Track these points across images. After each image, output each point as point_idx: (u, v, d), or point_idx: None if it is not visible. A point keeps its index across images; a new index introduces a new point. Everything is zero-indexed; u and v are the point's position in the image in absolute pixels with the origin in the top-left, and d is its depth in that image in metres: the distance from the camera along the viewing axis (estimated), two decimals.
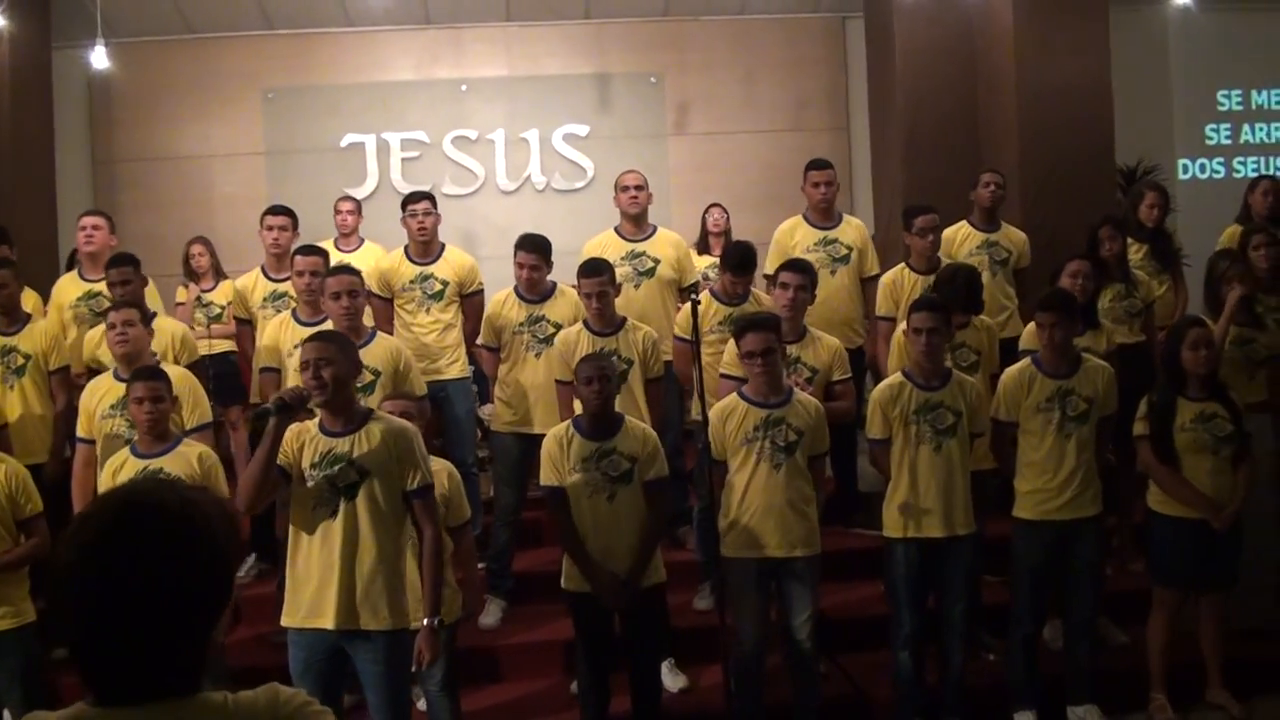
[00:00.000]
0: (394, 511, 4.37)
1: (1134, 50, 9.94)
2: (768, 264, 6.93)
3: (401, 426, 4.47)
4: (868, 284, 6.95)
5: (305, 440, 4.39)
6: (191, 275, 8.02)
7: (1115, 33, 8.68)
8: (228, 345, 7.36)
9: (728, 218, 8.95)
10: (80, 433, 5.64)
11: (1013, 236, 7.20)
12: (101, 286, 6.53)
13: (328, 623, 4.29)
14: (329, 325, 5.91)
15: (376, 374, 5.62)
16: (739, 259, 6.28)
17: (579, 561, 5.00)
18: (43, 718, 1.66)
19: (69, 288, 6.76)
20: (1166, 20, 10.46)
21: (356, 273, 5.83)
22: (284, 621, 4.43)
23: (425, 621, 4.39)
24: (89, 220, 6.88)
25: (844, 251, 6.87)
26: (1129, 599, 6.05)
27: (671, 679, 5.74)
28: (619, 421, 5.10)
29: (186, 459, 4.93)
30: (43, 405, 6.27)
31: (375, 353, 5.66)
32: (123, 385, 5.44)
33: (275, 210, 6.98)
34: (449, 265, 6.69)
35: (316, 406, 4.38)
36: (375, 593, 4.31)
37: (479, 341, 6.52)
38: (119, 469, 4.93)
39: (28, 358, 6.25)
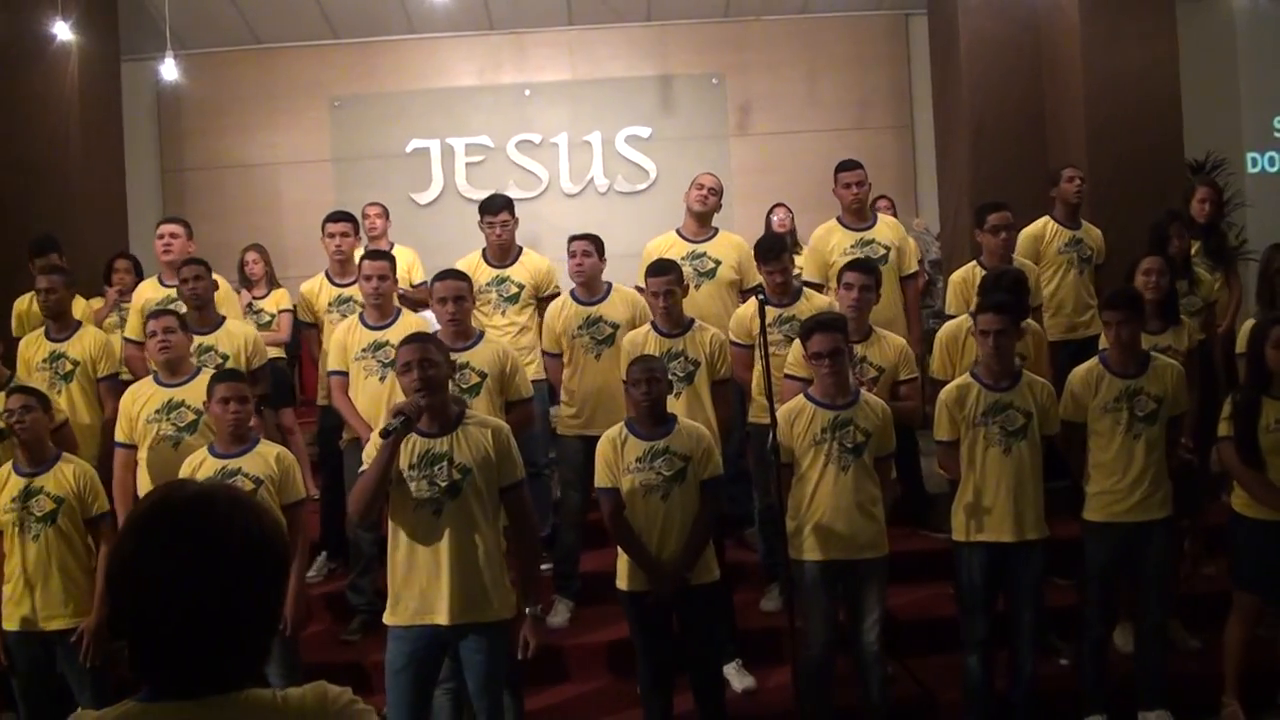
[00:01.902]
0: (494, 506, 4.47)
1: (1201, 42, 9.83)
2: (805, 269, 6.92)
3: (497, 424, 4.56)
4: (906, 282, 6.85)
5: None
6: (245, 282, 8.11)
7: (1182, 25, 8.59)
8: (275, 351, 7.46)
9: (792, 218, 8.92)
10: (120, 437, 5.68)
11: (1093, 233, 7.13)
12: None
13: (441, 618, 4.37)
14: (397, 328, 6.00)
15: (483, 375, 5.67)
16: (763, 245, 6.31)
17: (634, 554, 5.01)
18: (88, 717, 1.70)
19: (149, 292, 6.86)
20: (1234, 12, 10.33)
21: (464, 278, 5.85)
22: (389, 620, 4.50)
23: (528, 611, 4.46)
24: (167, 228, 6.97)
25: (881, 251, 6.75)
26: (1201, 602, 5.97)
27: (739, 679, 5.74)
28: (672, 421, 5.11)
29: (265, 459, 5.02)
30: (90, 411, 6.38)
31: (482, 355, 5.71)
32: (166, 390, 5.56)
33: (336, 217, 7.01)
34: (525, 269, 6.72)
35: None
36: (487, 585, 4.40)
37: (543, 349, 6.53)
38: (197, 468, 5.01)
39: (76, 364, 6.37)
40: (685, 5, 10.65)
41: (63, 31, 8.55)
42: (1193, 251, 6.98)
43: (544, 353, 6.52)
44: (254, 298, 7.88)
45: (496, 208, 6.69)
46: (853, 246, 6.78)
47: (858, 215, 6.93)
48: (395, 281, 6.38)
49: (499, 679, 4.50)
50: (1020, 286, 5.94)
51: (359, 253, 6.92)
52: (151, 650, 1.64)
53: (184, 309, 6.16)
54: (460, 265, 6.66)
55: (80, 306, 7.06)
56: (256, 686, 1.70)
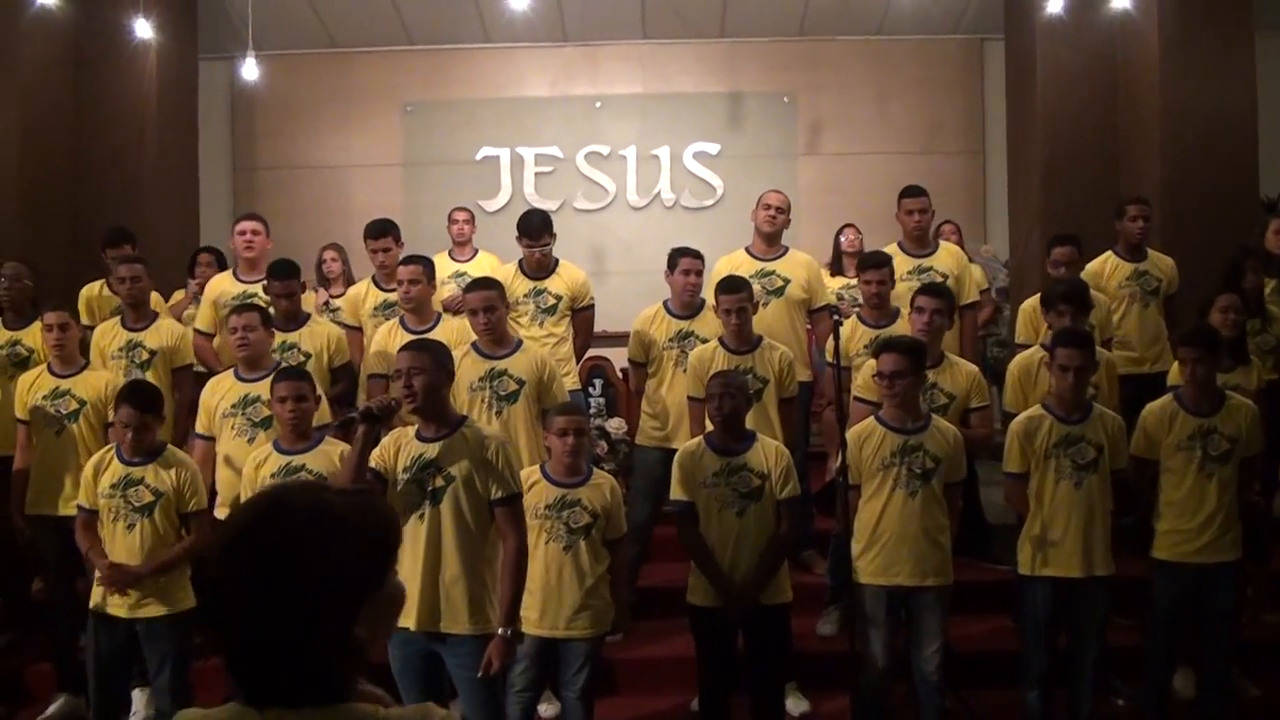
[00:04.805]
0: (478, 518, 4.42)
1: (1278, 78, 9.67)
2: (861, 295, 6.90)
3: (491, 435, 4.54)
4: (964, 312, 6.73)
5: (401, 445, 4.50)
6: (323, 281, 8.17)
7: (1261, 60, 8.47)
8: None
9: (862, 239, 8.87)
10: (199, 429, 5.80)
11: (1161, 263, 7.02)
12: (257, 288, 6.69)
13: (410, 623, 4.36)
14: (438, 333, 6.03)
15: (521, 383, 5.70)
16: (868, 254, 6.48)
17: (707, 572, 4.99)
18: (193, 715, 1.71)
19: (224, 287, 6.91)
20: None
21: (494, 286, 5.87)
22: None
23: (499, 631, 4.40)
24: (248, 225, 7.00)
25: (938, 279, 6.66)
26: (1262, 650, 5.86)
27: (794, 703, 5.70)
28: (751, 438, 5.11)
29: (329, 456, 5.03)
30: (166, 398, 6.44)
31: (520, 363, 5.74)
32: (243, 385, 5.63)
33: (374, 233, 7.02)
34: (562, 280, 6.72)
35: (409, 414, 4.49)
36: (456, 596, 4.37)
37: (629, 357, 6.59)
38: (261, 463, 5.06)
39: (153, 353, 6.44)
40: (758, 23, 10.63)
41: (143, 29, 8.66)
42: (1269, 288, 6.88)
43: (630, 361, 6.60)
44: (331, 296, 7.93)
45: (536, 231, 6.65)
46: (909, 273, 6.75)
47: (918, 242, 6.93)
48: (431, 286, 6.42)
49: (489, 695, 4.42)
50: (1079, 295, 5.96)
51: (438, 257, 6.97)
52: (238, 654, 1.65)
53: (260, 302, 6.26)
54: (498, 278, 6.66)
55: (153, 300, 7.14)
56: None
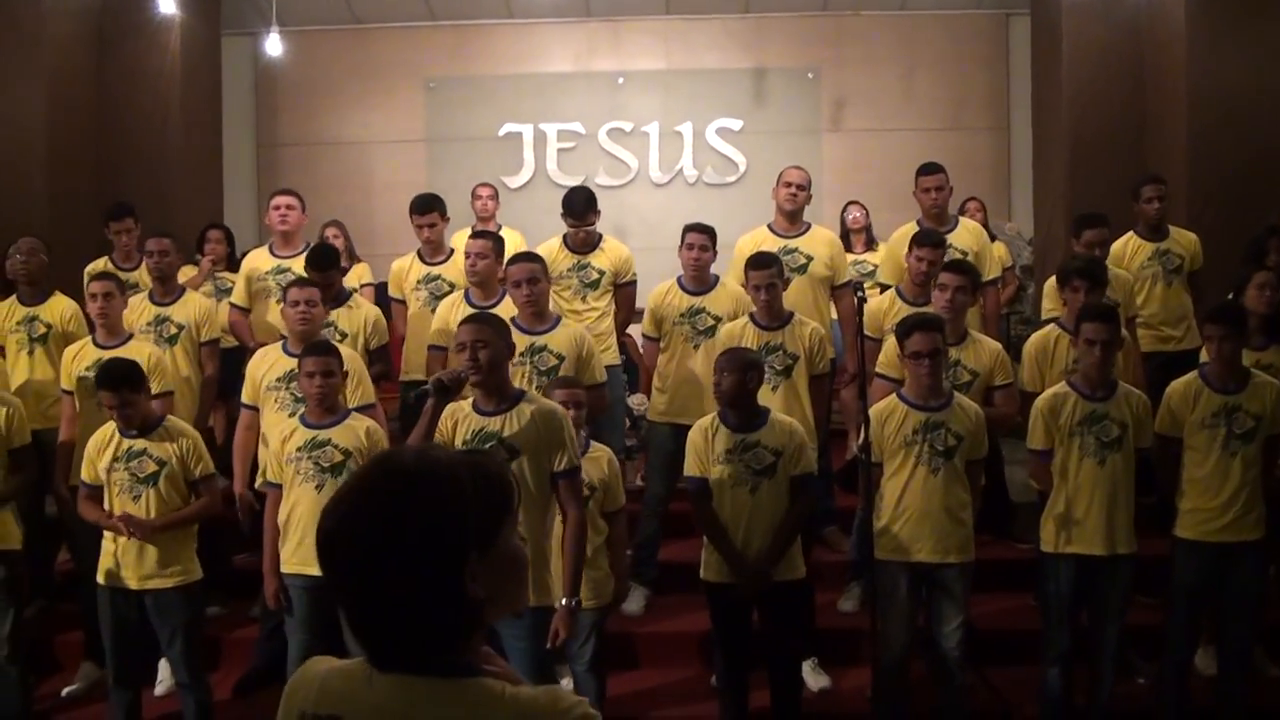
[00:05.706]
0: (540, 491, 4.43)
1: None
2: (882, 271, 6.90)
3: (551, 408, 4.55)
4: (984, 288, 6.62)
5: (459, 419, 4.51)
6: None
7: None
8: None
9: (867, 214, 8.79)
10: (245, 398, 5.84)
11: (1183, 240, 6.99)
12: (291, 264, 6.73)
13: None
14: (504, 307, 5.99)
15: (561, 359, 5.68)
16: (923, 230, 6.43)
17: (720, 548, 5.01)
18: (324, 662, 1.75)
19: (259, 261, 6.94)
20: None
21: (537, 259, 5.87)
22: None
23: (563, 601, 4.44)
24: (283, 200, 7.01)
25: (958, 256, 6.65)
26: None
27: (814, 679, 5.72)
28: (764, 415, 5.10)
29: (354, 431, 5.06)
30: (191, 372, 6.50)
31: (560, 338, 5.72)
32: (291, 359, 5.61)
33: (421, 209, 6.99)
34: (606, 255, 6.76)
35: (472, 386, 4.49)
36: None
37: (642, 331, 6.58)
38: (288, 437, 5.08)
39: (181, 327, 6.49)
40: None
41: (166, 5, 8.70)
42: None
43: (643, 336, 6.61)
44: None
45: (581, 212, 6.68)
46: None
47: (937, 219, 6.87)
48: (497, 262, 6.40)
49: (544, 667, 4.44)
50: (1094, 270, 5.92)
51: (463, 233, 6.97)
52: (360, 618, 1.66)
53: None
54: (539, 251, 6.67)
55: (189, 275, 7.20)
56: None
